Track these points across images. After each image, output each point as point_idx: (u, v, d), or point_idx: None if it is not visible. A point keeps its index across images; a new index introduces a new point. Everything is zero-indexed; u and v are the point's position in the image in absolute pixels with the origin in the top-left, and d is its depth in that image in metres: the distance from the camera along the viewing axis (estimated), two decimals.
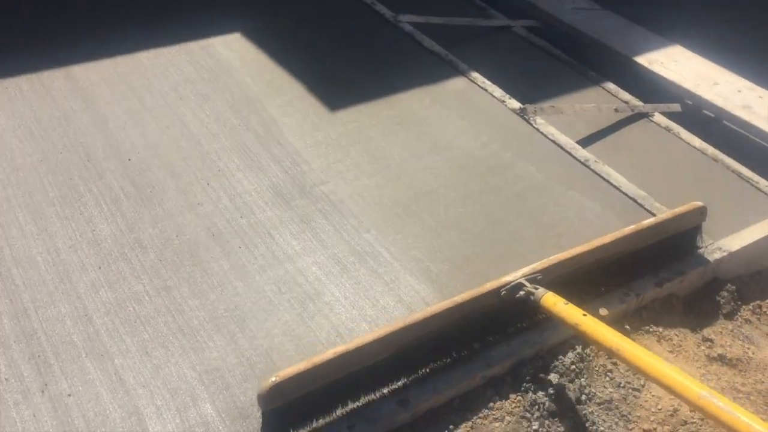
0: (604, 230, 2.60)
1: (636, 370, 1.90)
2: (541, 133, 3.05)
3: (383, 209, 2.64)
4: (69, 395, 1.98)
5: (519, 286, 2.15)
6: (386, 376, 2.04)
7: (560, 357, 2.21)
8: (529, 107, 3.15)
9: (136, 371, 2.05)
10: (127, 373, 2.05)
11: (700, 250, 2.56)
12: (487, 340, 2.19)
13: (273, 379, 1.86)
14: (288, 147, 2.89)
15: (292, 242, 2.48)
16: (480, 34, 3.85)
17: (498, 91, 3.27)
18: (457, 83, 3.35)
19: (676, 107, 3.53)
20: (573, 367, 2.18)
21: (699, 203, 2.52)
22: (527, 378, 2.15)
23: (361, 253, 2.46)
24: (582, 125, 3.22)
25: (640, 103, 3.47)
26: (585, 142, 3.12)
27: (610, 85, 3.58)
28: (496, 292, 2.14)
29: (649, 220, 2.46)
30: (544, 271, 2.20)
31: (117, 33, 3.47)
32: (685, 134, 3.29)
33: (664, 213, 2.55)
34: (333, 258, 2.43)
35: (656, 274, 2.47)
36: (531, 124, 3.09)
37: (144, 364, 2.08)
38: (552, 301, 2.08)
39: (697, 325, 2.47)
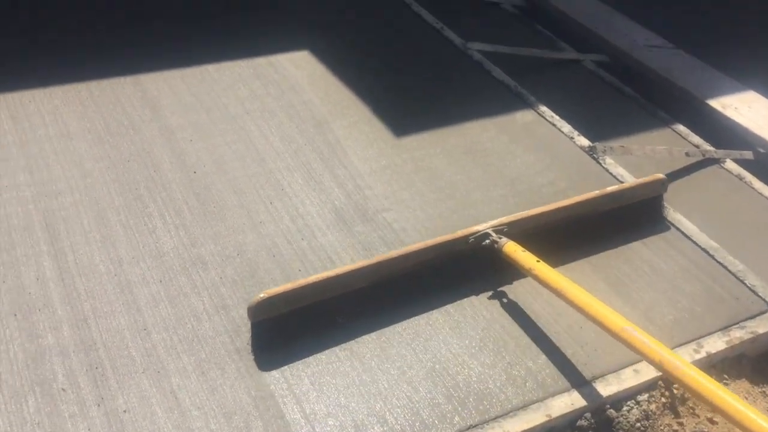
0: (677, 287, 2.52)
1: (576, 308, 2.13)
2: (611, 173, 2.97)
3: None
4: (125, 411, 1.96)
5: (486, 235, 2.38)
6: (363, 304, 2.24)
7: (624, 412, 2.13)
8: (599, 146, 3.07)
9: (192, 392, 2.03)
10: (182, 392, 2.03)
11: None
12: (454, 280, 2.37)
13: (261, 295, 2.10)
14: (352, 170, 2.86)
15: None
16: (549, 66, 3.79)
17: (567, 127, 3.21)
18: (525, 116, 3.30)
19: (748, 155, 3.41)
20: (638, 425, 2.09)
21: (661, 175, 2.77)
22: None
23: None
24: (652, 168, 3.12)
25: (712, 148, 3.36)
26: None
27: (681, 128, 3.49)
28: (465, 238, 2.36)
29: (612, 187, 2.69)
30: (509, 224, 2.43)
31: (186, 44, 3.50)
32: (757, 184, 3.18)
33: (627, 182, 2.83)
34: None
35: (727, 333, 2.37)
36: (600, 164, 3.01)
37: (200, 384, 2.05)
38: (512, 248, 2.32)
39: (767, 388, 2.36)
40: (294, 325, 2.17)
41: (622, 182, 2.93)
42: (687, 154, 3.24)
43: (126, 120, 2.98)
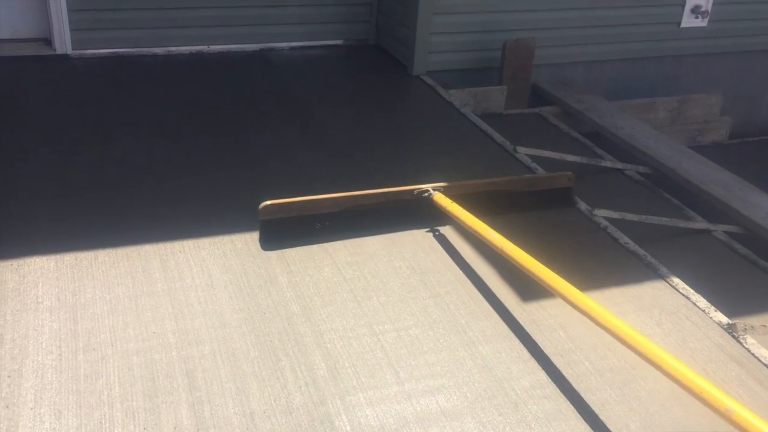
0: None
1: (472, 230, 3.16)
2: (754, 355, 2.82)
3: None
4: None
5: (426, 190, 3.43)
6: (337, 222, 3.35)
7: None
8: (739, 324, 2.94)
9: None
10: None
11: None
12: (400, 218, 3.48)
13: (267, 201, 3.24)
14: (471, 335, 2.87)
15: (446, 403, 2.40)
16: (678, 236, 3.75)
17: (702, 301, 3.11)
18: (655, 287, 3.23)
19: None
20: None
21: (568, 173, 3.75)
22: None
23: None
24: None
25: None
26: None
27: None
28: (411, 191, 3.44)
29: (528, 175, 3.93)
30: (445, 187, 3.45)
31: None
32: None
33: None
34: None
35: None
36: (741, 344, 2.87)
37: None
38: (439, 197, 3.38)
39: None
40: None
41: (767, 366, 2.77)
42: None
43: (265, 273, 3.16)
